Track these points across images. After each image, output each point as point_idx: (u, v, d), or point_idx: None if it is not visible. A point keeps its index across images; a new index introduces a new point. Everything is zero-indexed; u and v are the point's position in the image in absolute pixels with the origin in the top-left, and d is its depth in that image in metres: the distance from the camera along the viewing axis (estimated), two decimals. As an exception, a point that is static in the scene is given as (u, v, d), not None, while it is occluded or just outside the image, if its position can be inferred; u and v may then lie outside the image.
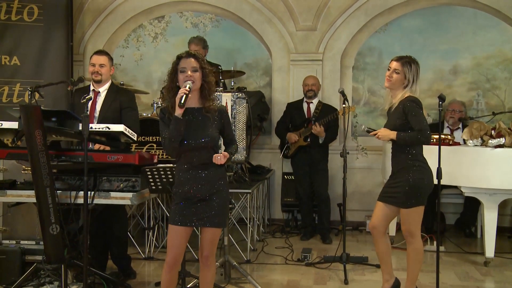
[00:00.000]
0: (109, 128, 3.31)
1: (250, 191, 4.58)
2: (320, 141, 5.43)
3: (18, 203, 3.63)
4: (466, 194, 4.60)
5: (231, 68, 5.24)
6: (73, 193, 3.34)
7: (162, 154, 4.77)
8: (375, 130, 3.53)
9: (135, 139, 3.52)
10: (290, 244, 5.23)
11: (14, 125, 3.29)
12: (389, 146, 3.77)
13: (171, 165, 3.19)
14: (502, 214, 5.40)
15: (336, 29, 6.20)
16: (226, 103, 4.69)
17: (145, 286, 4.02)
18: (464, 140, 4.66)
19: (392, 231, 5.22)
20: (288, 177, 6.00)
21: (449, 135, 4.82)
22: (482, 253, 4.61)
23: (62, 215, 3.23)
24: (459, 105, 5.63)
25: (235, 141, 3.07)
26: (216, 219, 2.89)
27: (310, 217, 5.68)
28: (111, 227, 3.94)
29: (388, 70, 3.43)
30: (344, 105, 4.32)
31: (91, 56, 4.01)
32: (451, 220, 5.97)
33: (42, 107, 3.20)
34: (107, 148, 3.66)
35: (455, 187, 4.79)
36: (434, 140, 4.50)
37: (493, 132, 4.43)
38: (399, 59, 3.41)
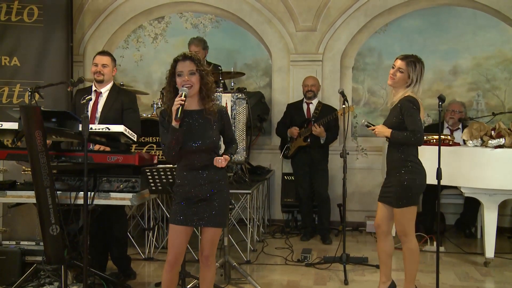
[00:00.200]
0: (109, 129, 3.31)
1: (250, 191, 4.59)
2: (322, 141, 5.43)
3: (18, 204, 3.63)
4: (466, 195, 4.60)
5: (231, 69, 5.24)
6: (73, 193, 3.34)
7: (162, 155, 4.77)
8: (374, 125, 3.54)
9: (135, 139, 3.52)
10: (290, 245, 5.23)
11: (14, 125, 3.29)
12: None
13: (171, 165, 3.19)
14: (502, 214, 5.40)
15: (336, 30, 6.20)
16: (226, 103, 4.69)
17: (145, 287, 4.02)
18: (464, 140, 4.66)
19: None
20: (288, 178, 6.00)
21: (449, 135, 4.82)
22: (482, 253, 4.61)
23: (62, 216, 3.23)
24: (459, 106, 5.63)
25: (235, 141, 3.07)
26: (216, 219, 2.90)
27: (310, 218, 5.68)
28: (111, 227, 3.94)
29: (393, 68, 3.42)
30: (343, 106, 4.32)
31: (94, 56, 4.01)
32: (451, 220, 5.97)
33: (42, 108, 3.19)
34: (107, 149, 3.66)
35: (455, 187, 4.79)
36: (434, 140, 4.51)
37: (493, 132, 4.43)
38: (404, 58, 3.40)
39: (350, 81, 6.23)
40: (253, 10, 6.31)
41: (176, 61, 2.84)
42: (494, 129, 4.46)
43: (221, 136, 2.99)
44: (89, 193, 3.15)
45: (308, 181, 5.56)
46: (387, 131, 3.39)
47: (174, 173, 3.16)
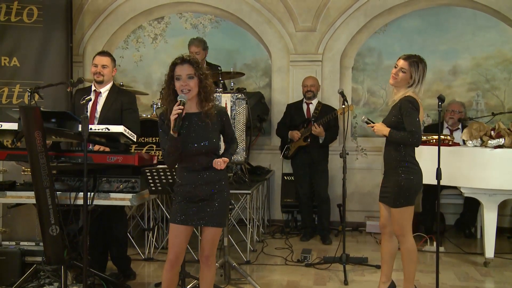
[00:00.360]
0: (108, 129, 3.31)
1: (249, 192, 4.58)
2: (320, 141, 5.43)
3: (18, 204, 3.63)
4: (465, 195, 4.60)
5: (230, 69, 5.24)
6: (73, 194, 3.34)
7: (161, 157, 4.77)
8: (373, 123, 3.54)
9: (135, 140, 3.52)
10: (290, 245, 5.23)
11: (13, 126, 3.29)
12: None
13: (171, 166, 3.19)
14: (501, 214, 5.41)
15: (336, 30, 6.20)
16: (226, 104, 4.69)
17: (145, 287, 4.02)
18: (463, 140, 4.66)
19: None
20: (287, 178, 6.00)
21: (449, 135, 4.82)
22: (482, 253, 4.61)
23: (61, 216, 3.23)
24: (459, 106, 5.63)
25: (235, 140, 3.07)
26: (216, 219, 2.90)
27: (310, 218, 5.68)
28: (111, 228, 3.94)
29: (395, 67, 3.41)
30: (343, 106, 4.32)
31: (94, 56, 4.01)
32: (450, 220, 5.97)
33: (41, 108, 3.20)
34: (107, 149, 3.66)
35: (455, 187, 4.80)
36: (434, 140, 4.51)
37: (492, 132, 4.43)
38: (407, 58, 3.39)
39: (350, 81, 6.23)
40: (252, 10, 6.31)
41: (174, 64, 2.83)
42: (493, 129, 4.46)
43: (221, 135, 2.99)
44: (88, 193, 3.15)
45: (308, 182, 5.56)
46: (386, 130, 3.39)
47: (174, 173, 3.16)
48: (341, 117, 4.97)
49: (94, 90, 3.96)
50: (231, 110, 4.70)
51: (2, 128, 3.31)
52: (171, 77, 2.84)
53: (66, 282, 3.39)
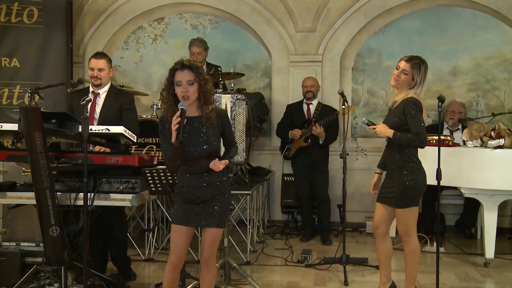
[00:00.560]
0: (108, 130, 3.31)
1: (250, 192, 4.59)
2: (321, 142, 5.43)
3: (18, 205, 3.63)
4: (466, 195, 4.60)
5: (230, 70, 5.24)
6: (73, 194, 3.34)
7: (162, 158, 4.77)
8: (375, 124, 3.53)
9: (135, 140, 3.52)
10: (290, 246, 5.23)
11: (14, 127, 3.29)
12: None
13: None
14: (502, 215, 5.40)
15: (336, 31, 6.20)
16: (226, 104, 4.69)
17: (145, 288, 4.03)
18: (463, 141, 4.66)
19: (392, 232, 5.20)
20: (288, 179, 6.00)
21: (449, 136, 4.82)
22: (482, 254, 4.61)
23: (62, 217, 3.23)
24: (459, 106, 5.63)
25: (235, 144, 3.06)
26: (217, 220, 2.90)
27: (310, 218, 5.68)
28: (111, 228, 3.94)
29: (397, 69, 3.40)
30: (343, 106, 4.32)
31: (90, 59, 3.99)
32: (451, 221, 5.97)
33: (42, 109, 3.20)
34: (107, 150, 3.66)
35: (455, 188, 4.80)
36: (434, 141, 4.51)
37: (492, 133, 4.43)
38: (409, 59, 3.38)
39: (350, 82, 6.23)
40: (252, 11, 6.31)
41: (174, 69, 2.79)
42: (494, 129, 4.46)
43: (221, 138, 2.99)
44: (89, 194, 3.15)
45: (308, 182, 5.56)
46: (389, 132, 3.37)
47: (174, 174, 3.16)
48: (341, 118, 4.97)
49: (92, 92, 3.96)
50: (231, 111, 4.70)
51: (3, 128, 3.31)
52: (170, 82, 2.81)
53: (67, 283, 3.39)
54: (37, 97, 3.68)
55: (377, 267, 4.33)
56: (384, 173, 3.62)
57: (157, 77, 6.45)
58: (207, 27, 6.41)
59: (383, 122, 3.51)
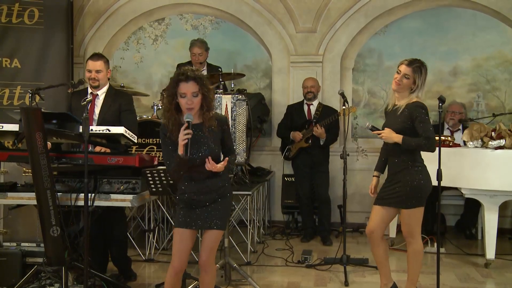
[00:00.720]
0: (109, 130, 3.31)
1: (250, 193, 4.59)
2: (321, 143, 5.44)
3: (18, 205, 3.64)
4: (466, 196, 4.60)
5: (231, 70, 5.25)
6: (74, 195, 3.34)
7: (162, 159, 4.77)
8: (379, 130, 3.52)
9: (135, 141, 3.52)
10: (290, 246, 5.23)
11: (14, 127, 3.30)
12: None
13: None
14: (502, 215, 5.38)
15: (336, 31, 6.20)
16: (226, 105, 4.69)
17: (146, 288, 4.03)
18: (464, 141, 4.66)
19: (393, 232, 5.22)
20: (288, 179, 6.00)
21: (449, 136, 4.82)
22: (483, 254, 4.61)
23: (62, 217, 3.23)
24: (459, 107, 5.63)
25: (234, 151, 3.07)
26: (218, 222, 2.91)
27: (311, 219, 5.68)
28: (111, 229, 3.94)
29: (398, 73, 3.39)
30: (344, 107, 4.32)
31: (87, 60, 3.99)
32: (451, 221, 5.96)
33: (42, 110, 3.20)
34: (108, 150, 3.66)
35: (456, 188, 4.80)
36: (434, 141, 4.51)
37: (493, 133, 4.43)
38: (410, 63, 3.37)
39: (350, 82, 6.23)
40: (253, 12, 6.32)
41: (178, 81, 2.76)
42: (494, 130, 4.46)
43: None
44: (89, 194, 3.16)
45: (308, 183, 5.56)
46: (397, 137, 3.35)
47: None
48: (341, 118, 4.97)
49: (91, 93, 3.96)
50: (232, 111, 4.71)
51: (3, 129, 3.31)
52: (174, 93, 2.78)
53: (67, 283, 3.39)
54: (37, 97, 3.68)
55: (377, 268, 4.33)
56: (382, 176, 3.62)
57: (157, 77, 6.46)
58: (207, 28, 6.42)
59: (383, 126, 3.50)
